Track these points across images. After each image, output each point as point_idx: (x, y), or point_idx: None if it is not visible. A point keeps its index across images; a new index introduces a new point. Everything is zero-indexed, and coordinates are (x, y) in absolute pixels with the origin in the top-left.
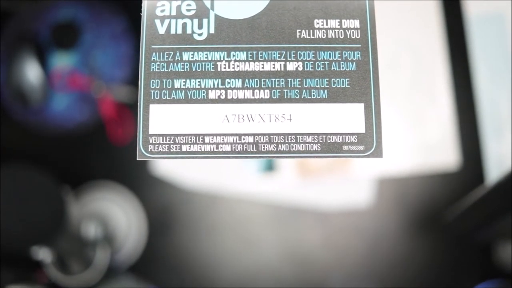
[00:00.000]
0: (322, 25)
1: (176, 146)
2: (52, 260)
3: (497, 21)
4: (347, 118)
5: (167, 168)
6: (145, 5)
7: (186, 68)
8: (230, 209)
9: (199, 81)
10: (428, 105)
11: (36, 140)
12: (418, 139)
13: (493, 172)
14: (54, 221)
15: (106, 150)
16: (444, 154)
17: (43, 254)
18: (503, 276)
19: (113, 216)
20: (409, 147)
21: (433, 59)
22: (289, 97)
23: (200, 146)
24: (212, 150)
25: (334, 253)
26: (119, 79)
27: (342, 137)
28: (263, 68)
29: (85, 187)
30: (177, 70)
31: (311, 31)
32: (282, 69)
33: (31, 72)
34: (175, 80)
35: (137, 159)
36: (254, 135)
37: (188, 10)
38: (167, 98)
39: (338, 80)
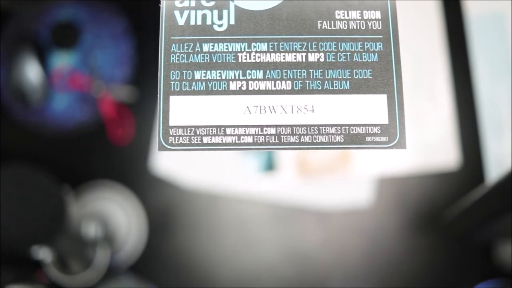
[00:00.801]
0: (344, 16)
1: (197, 138)
2: (52, 260)
3: (497, 20)
4: (370, 109)
5: (167, 168)
6: None
7: (207, 59)
8: (230, 209)
9: (220, 72)
10: (428, 105)
11: (36, 140)
12: (418, 139)
13: (493, 171)
14: (54, 221)
15: (106, 150)
16: (444, 154)
17: (43, 254)
18: (503, 276)
19: (113, 216)
20: (409, 147)
21: (433, 59)
22: (311, 88)
23: (221, 138)
24: (233, 141)
25: (334, 253)
26: (119, 79)
27: (365, 128)
28: (284, 59)
29: (85, 187)
30: (197, 61)
31: (332, 22)
32: (304, 60)
33: (31, 72)
34: (195, 71)
35: (158, 151)
36: (276, 126)
37: (208, 1)
38: (188, 89)
39: (360, 71)
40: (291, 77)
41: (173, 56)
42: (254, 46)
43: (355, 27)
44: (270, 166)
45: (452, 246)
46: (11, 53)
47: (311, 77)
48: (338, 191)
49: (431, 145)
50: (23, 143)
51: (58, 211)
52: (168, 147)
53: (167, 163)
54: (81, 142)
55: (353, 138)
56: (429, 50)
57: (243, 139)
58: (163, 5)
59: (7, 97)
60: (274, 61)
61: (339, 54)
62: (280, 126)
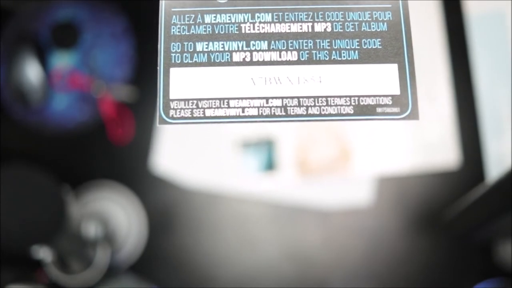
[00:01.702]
0: None
1: (199, 111)
2: (52, 259)
3: (497, 20)
4: (380, 79)
5: (167, 168)
6: None
7: (209, 31)
8: (231, 209)
9: (223, 44)
10: (428, 105)
11: (36, 140)
12: (418, 138)
13: (493, 171)
14: (54, 221)
15: (106, 150)
16: (444, 153)
17: (43, 253)
18: (503, 276)
19: (114, 215)
20: (409, 146)
21: (433, 59)
22: (318, 59)
23: (225, 111)
24: (238, 114)
25: (334, 253)
26: (119, 79)
27: (376, 99)
28: (289, 29)
29: (85, 187)
30: (199, 32)
31: None
32: (310, 30)
33: (31, 72)
34: (197, 43)
35: (158, 125)
36: (282, 98)
37: None
38: (189, 61)
39: (369, 41)
40: (297, 47)
41: (173, 28)
42: (258, 17)
43: None
44: (270, 166)
45: (452, 246)
46: (11, 53)
47: (318, 47)
48: (338, 191)
49: (431, 145)
50: (23, 143)
51: (58, 211)
52: (169, 120)
53: (167, 163)
54: (81, 142)
55: (363, 109)
56: (429, 50)
57: (247, 111)
58: None
59: (7, 97)
60: (279, 31)
61: (347, 24)
62: (286, 97)
